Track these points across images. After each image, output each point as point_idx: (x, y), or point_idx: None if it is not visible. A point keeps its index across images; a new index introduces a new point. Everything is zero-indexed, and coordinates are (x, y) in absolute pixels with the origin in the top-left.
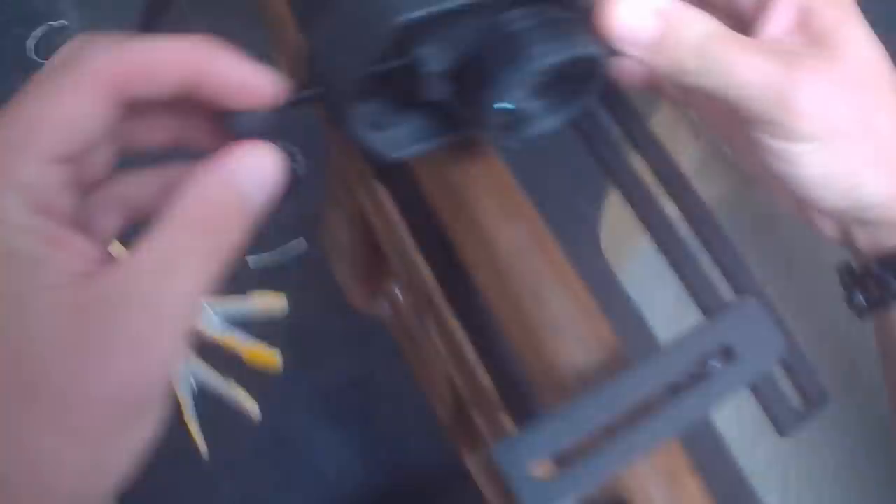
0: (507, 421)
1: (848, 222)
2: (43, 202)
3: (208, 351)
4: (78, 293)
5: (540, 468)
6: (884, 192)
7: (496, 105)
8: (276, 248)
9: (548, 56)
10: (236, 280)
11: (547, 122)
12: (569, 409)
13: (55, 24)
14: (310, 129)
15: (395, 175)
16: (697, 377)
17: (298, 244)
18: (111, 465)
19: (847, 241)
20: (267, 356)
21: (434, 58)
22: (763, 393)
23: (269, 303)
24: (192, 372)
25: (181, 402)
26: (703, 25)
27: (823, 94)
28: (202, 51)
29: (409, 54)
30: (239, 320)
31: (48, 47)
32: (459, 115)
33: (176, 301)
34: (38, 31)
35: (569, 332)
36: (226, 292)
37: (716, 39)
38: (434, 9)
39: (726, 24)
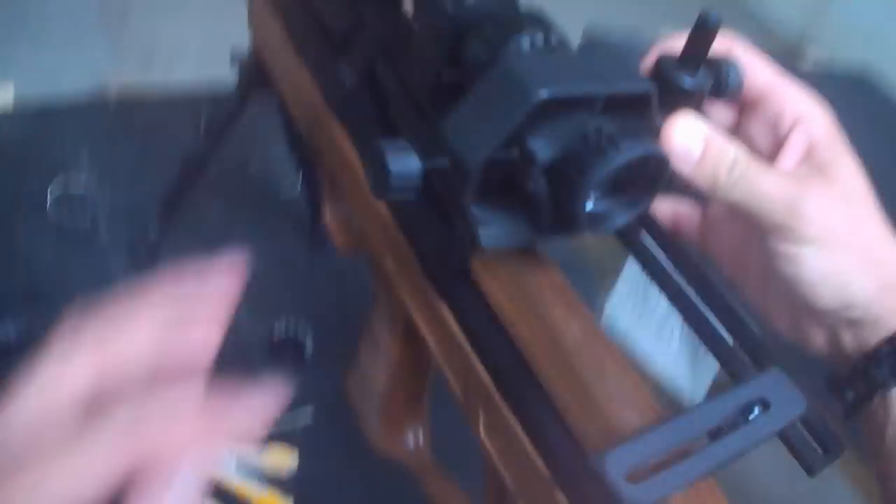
0: (561, 499)
1: (837, 325)
2: None
3: (224, 497)
4: None
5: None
6: (868, 291)
7: (586, 205)
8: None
9: (629, 152)
10: None
11: (620, 218)
12: (647, 434)
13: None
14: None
15: (453, 288)
16: (740, 422)
17: (305, 412)
18: None
19: (835, 349)
20: None
21: (542, 149)
22: (792, 440)
23: (280, 458)
24: None
25: None
26: (735, 150)
27: (824, 205)
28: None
29: (521, 145)
30: (253, 470)
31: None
32: (548, 212)
33: None
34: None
35: (626, 400)
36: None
37: (744, 161)
38: (569, 91)
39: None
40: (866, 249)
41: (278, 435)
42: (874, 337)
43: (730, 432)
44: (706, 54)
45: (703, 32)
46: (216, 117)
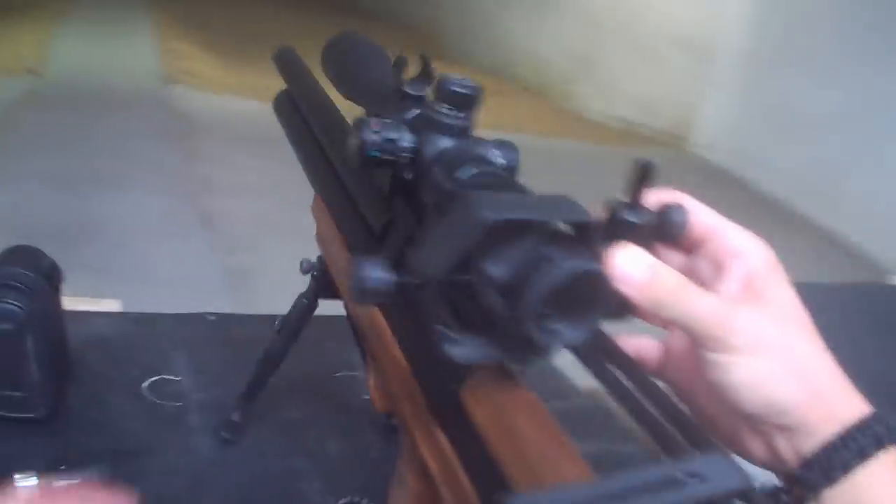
0: None
1: (771, 433)
2: None
3: None
4: None
5: None
6: (797, 398)
7: (535, 317)
8: None
9: (569, 268)
10: None
11: (572, 335)
12: (567, 488)
13: (168, 377)
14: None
15: (448, 416)
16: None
17: None
18: None
19: (772, 456)
20: None
21: (495, 269)
22: None
23: None
24: None
25: None
26: (675, 277)
27: (754, 320)
28: None
29: (477, 266)
30: None
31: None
32: (509, 328)
33: None
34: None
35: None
36: None
37: (682, 286)
38: (513, 216)
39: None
40: (796, 361)
41: None
42: (807, 445)
43: (651, 494)
44: (645, 190)
45: (640, 175)
46: (289, 318)
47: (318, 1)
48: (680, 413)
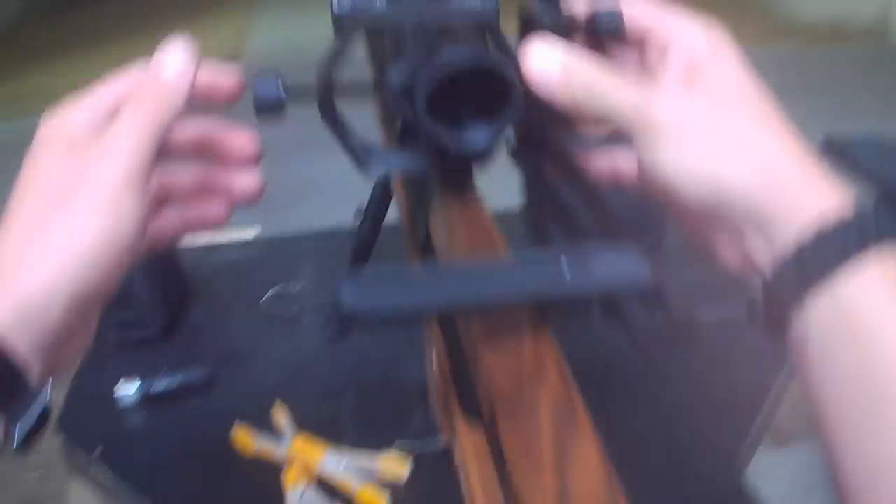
0: None
1: (740, 232)
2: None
3: (327, 488)
4: (78, 149)
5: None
6: (742, 186)
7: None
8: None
9: (452, 55)
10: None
11: (478, 134)
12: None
13: (287, 289)
14: None
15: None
16: (547, 266)
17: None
18: (99, 239)
19: (748, 262)
20: (376, 500)
21: (395, 75)
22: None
23: (393, 466)
24: (306, 499)
25: None
26: (591, 70)
27: (680, 103)
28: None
29: (383, 80)
30: (363, 472)
31: (276, 303)
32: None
33: (119, 141)
34: (273, 292)
35: None
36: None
37: (598, 78)
38: (370, 14)
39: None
40: (739, 143)
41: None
42: (779, 246)
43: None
44: None
45: None
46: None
47: None
48: (609, 215)
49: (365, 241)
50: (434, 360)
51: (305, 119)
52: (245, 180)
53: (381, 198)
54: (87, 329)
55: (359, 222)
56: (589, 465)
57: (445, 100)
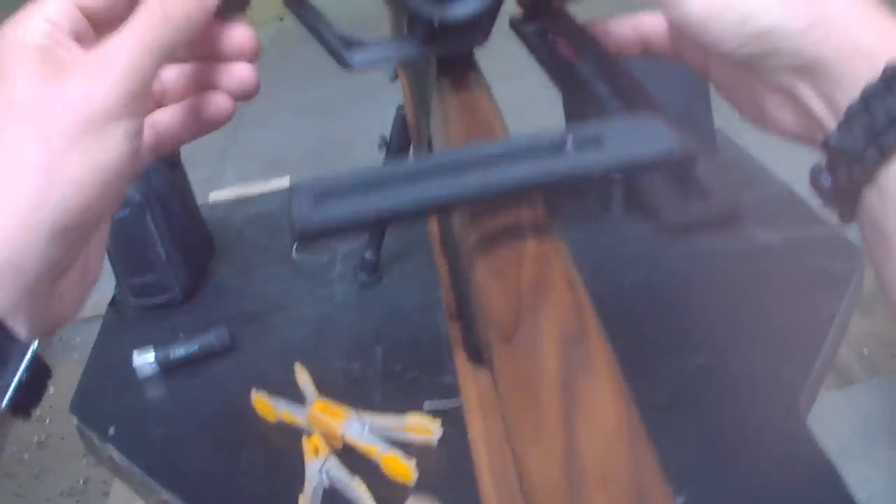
0: None
1: (793, 87)
2: (58, 23)
3: (351, 454)
4: (57, 56)
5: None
6: (790, 24)
7: None
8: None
9: None
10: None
11: (469, 3)
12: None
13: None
14: None
15: None
16: (548, 149)
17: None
18: (84, 167)
19: (807, 122)
20: (402, 467)
21: None
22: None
23: (424, 424)
24: (327, 469)
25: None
26: None
27: None
28: None
29: None
30: (389, 436)
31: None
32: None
33: (122, 62)
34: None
35: None
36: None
37: None
38: None
39: None
40: None
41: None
42: (842, 97)
43: (498, 165)
44: None
45: None
46: (393, 130)
47: None
48: (633, 85)
49: None
50: (443, 295)
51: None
52: (243, 72)
53: (403, 126)
54: (85, 267)
55: (383, 153)
56: (604, 412)
57: None
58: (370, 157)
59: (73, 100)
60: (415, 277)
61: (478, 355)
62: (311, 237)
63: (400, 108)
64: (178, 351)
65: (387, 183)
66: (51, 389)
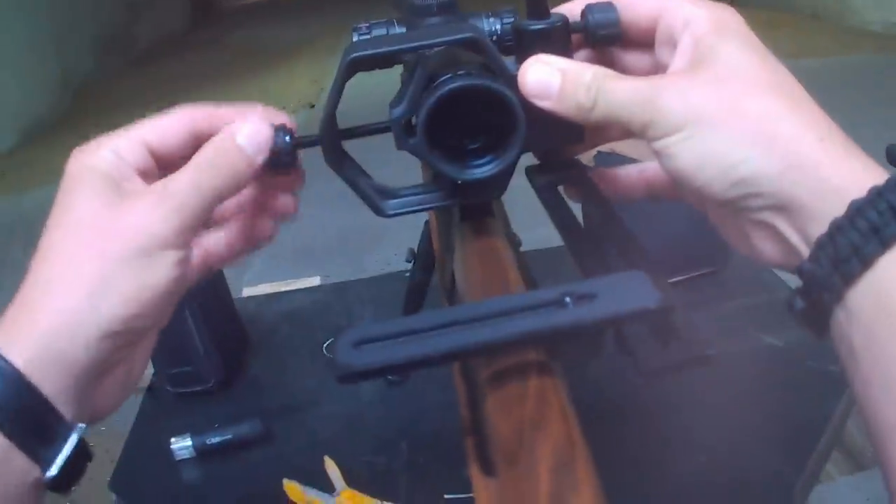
0: None
1: (772, 222)
2: (125, 156)
3: None
4: (120, 185)
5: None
6: (765, 170)
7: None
8: None
9: (457, 81)
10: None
11: (488, 167)
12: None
13: None
14: None
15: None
16: (550, 304)
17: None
18: (135, 283)
19: (786, 252)
20: None
21: (396, 109)
22: (628, 335)
23: None
24: None
25: None
26: (590, 71)
27: (682, 92)
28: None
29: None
30: None
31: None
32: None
33: (174, 199)
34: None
35: None
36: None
37: (600, 78)
38: (378, 50)
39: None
40: (754, 125)
41: None
42: (815, 230)
43: (535, 310)
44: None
45: None
46: (420, 246)
47: None
48: (627, 239)
49: (417, 285)
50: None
51: (389, 163)
52: (288, 203)
53: (429, 242)
54: (130, 369)
55: (410, 266)
56: None
57: (452, 130)
58: (395, 248)
59: (129, 226)
60: (438, 379)
61: (489, 467)
62: (350, 379)
63: (427, 223)
64: (214, 438)
65: (416, 333)
66: None
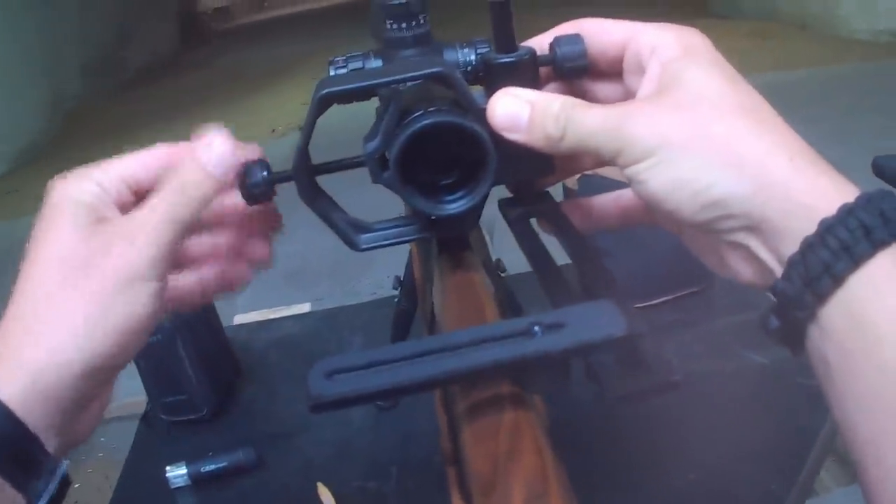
0: None
1: (746, 242)
2: (106, 188)
3: None
4: (102, 216)
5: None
6: (737, 191)
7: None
8: None
9: (427, 119)
10: None
11: (461, 202)
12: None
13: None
14: None
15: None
16: (518, 334)
17: None
18: (116, 319)
19: (761, 271)
20: None
21: (370, 144)
22: (593, 361)
23: None
24: None
25: None
26: (558, 102)
27: (650, 118)
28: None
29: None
30: None
31: None
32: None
33: (148, 231)
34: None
35: None
36: None
37: (568, 108)
38: (350, 85)
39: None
40: (722, 148)
41: None
42: (785, 248)
43: (501, 339)
44: (511, 29)
45: (497, 12)
46: (405, 274)
47: None
48: (596, 269)
49: (403, 313)
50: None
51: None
52: (261, 249)
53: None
54: (102, 400)
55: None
56: None
57: (425, 166)
58: (386, 271)
59: (112, 263)
60: (427, 404)
61: (469, 497)
62: (321, 408)
63: (410, 258)
64: (209, 466)
65: (387, 363)
66: (77, 484)
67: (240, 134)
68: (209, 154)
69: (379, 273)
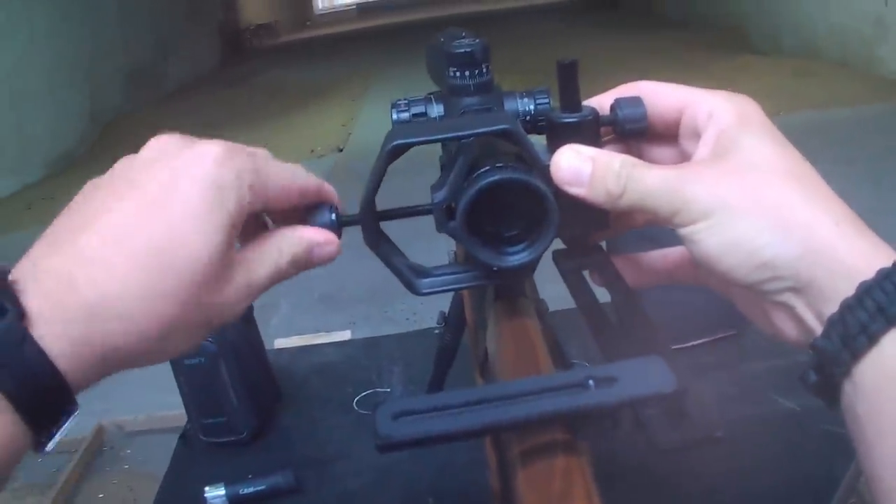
0: None
1: (790, 302)
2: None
3: None
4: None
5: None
6: (786, 254)
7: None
8: None
9: (495, 175)
10: None
11: (523, 255)
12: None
13: (379, 389)
14: None
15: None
16: (574, 386)
17: None
18: (184, 344)
19: (802, 330)
20: None
21: (438, 194)
22: (646, 413)
23: None
24: None
25: None
26: (619, 160)
27: (707, 181)
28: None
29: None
30: None
31: (366, 403)
32: (468, 246)
33: (257, 290)
34: (365, 393)
35: None
36: None
37: (629, 167)
38: (419, 138)
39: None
40: (774, 213)
41: None
42: (827, 309)
43: (558, 391)
44: (576, 90)
45: (564, 75)
46: (451, 311)
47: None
48: (645, 324)
49: (447, 348)
50: (490, 480)
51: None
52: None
53: (460, 309)
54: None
55: (442, 327)
56: None
57: (489, 218)
58: (422, 298)
59: (214, 303)
60: None
61: None
62: (389, 448)
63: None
64: (247, 489)
65: (450, 408)
66: (101, 495)
67: (280, 154)
68: (321, 246)
69: (414, 298)
